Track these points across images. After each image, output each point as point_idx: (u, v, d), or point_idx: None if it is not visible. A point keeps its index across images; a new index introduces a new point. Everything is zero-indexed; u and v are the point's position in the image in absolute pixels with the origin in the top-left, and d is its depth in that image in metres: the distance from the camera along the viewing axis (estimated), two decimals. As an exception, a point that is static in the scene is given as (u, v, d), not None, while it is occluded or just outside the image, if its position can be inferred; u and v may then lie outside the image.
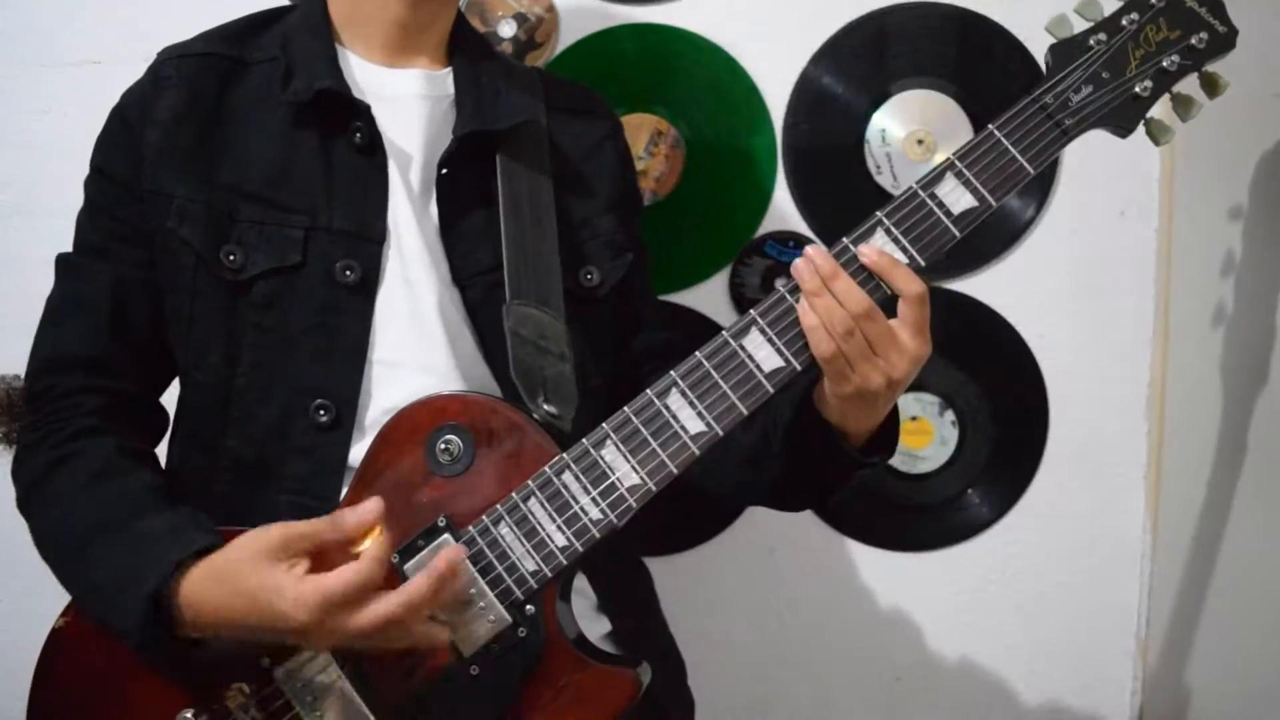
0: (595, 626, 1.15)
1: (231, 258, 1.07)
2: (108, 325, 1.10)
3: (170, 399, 1.15)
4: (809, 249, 0.98)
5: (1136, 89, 1.01)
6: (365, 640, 0.93)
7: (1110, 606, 1.62)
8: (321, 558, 0.94)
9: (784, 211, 1.58)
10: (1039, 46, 1.52)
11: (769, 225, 1.58)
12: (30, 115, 1.58)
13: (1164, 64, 1.01)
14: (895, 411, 1.04)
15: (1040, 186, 1.56)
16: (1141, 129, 1.03)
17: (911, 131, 1.55)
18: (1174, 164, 1.54)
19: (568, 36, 1.55)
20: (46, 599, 1.05)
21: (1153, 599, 1.60)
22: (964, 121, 1.54)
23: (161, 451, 1.16)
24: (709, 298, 1.60)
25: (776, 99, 1.56)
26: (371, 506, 0.94)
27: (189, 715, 1.00)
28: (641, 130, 1.55)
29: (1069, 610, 1.62)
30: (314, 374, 1.07)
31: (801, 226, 1.58)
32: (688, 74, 1.56)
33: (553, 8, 1.55)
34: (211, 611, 0.95)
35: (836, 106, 1.56)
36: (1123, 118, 1.01)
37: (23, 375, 1.13)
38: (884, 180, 1.55)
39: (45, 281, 1.14)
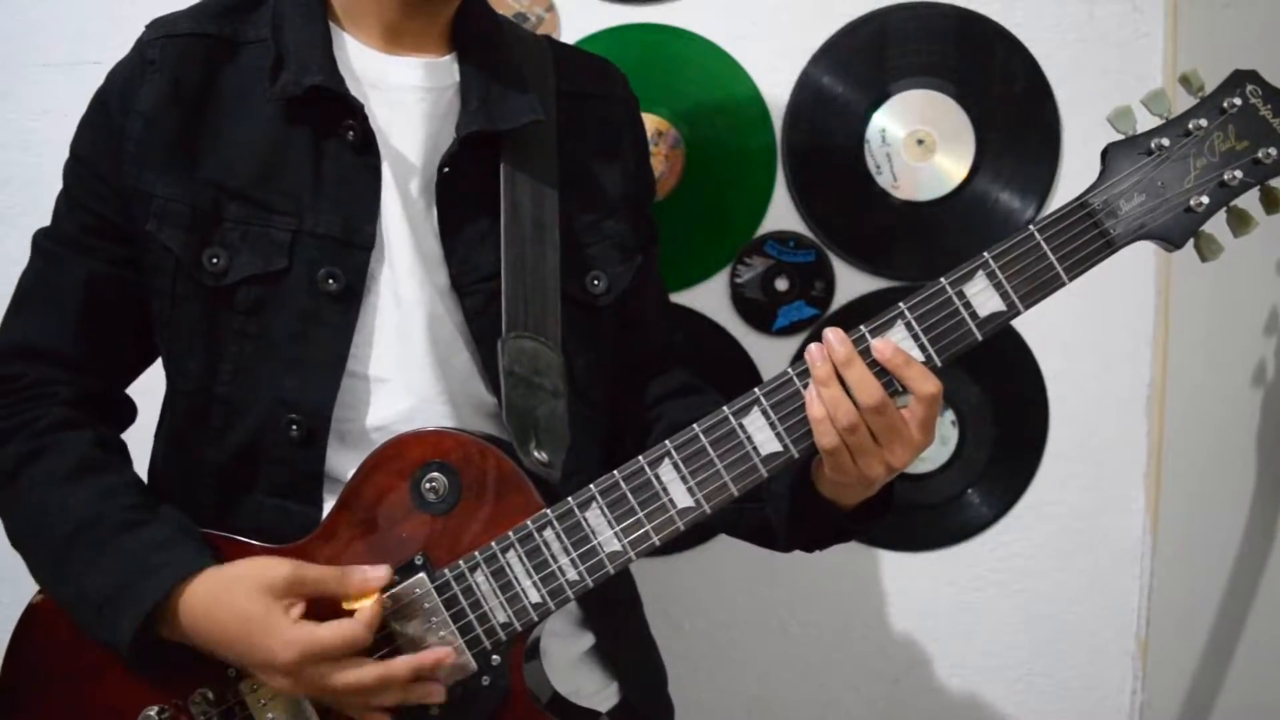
0: (578, 642, 1.13)
1: (215, 261, 1.01)
2: (76, 323, 1.06)
3: (154, 391, 1.12)
4: (827, 332, 0.92)
5: (1191, 202, 0.92)
6: (332, 697, 0.96)
7: (1110, 606, 1.62)
8: (314, 603, 0.95)
9: (784, 211, 1.58)
10: (1039, 47, 1.54)
11: (769, 225, 1.58)
12: (30, 115, 1.58)
13: (1225, 177, 0.92)
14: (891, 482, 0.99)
15: (1040, 187, 1.56)
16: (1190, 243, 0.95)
17: (911, 131, 1.55)
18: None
19: (568, 36, 1.55)
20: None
21: (1153, 599, 1.60)
22: (964, 121, 1.54)
23: (141, 442, 1.13)
24: (709, 298, 1.60)
25: (776, 99, 1.56)
26: (380, 575, 0.96)
27: (153, 714, 0.99)
28: (641, 130, 1.55)
29: (1069, 610, 1.62)
30: (289, 386, 1.02)
31: (801, 226, 1.58)
32: (688, 74, 1.55)
33: (553, 7, 1.55)
34: (203, 628, 0.95)
35: (836, 106, 1.55)
36: (1173, 232, 0.93)
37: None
38: (884, 180, 1.55)
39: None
